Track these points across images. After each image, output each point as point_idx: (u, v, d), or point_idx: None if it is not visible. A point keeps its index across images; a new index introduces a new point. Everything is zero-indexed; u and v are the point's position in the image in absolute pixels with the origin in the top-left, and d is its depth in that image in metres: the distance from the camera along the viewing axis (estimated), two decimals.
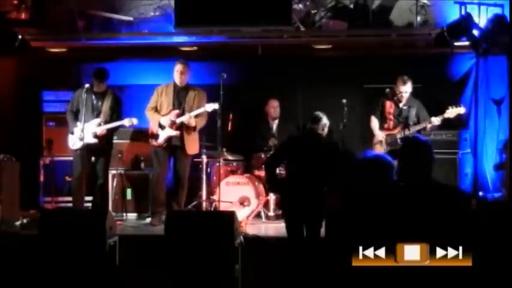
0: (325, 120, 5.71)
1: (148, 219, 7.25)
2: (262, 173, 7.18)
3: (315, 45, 7.94)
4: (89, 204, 7.33)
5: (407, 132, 6.78)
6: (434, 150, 3.49)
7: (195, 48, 8.13)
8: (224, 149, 7.43)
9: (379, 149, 6.99)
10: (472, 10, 7.16)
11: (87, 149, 7.01)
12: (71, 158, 7.21)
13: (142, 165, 7.69)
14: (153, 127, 7.09)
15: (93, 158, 7.16)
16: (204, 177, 7.36)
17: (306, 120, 6.15)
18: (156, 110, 7.06)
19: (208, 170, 7.53)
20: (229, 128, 7.60)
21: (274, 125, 7.91)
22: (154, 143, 7.05)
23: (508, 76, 6.49)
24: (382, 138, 7.04)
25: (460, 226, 3.17)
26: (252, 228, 6.58)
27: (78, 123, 6.97)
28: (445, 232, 3.16)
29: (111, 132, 7.20)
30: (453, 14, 7.32)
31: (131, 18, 7.89)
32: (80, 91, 7.09)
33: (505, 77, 6.76)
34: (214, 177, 7.46)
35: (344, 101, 6.79)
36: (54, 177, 7.74)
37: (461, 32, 7.07)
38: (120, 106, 7.23)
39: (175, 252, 5.27)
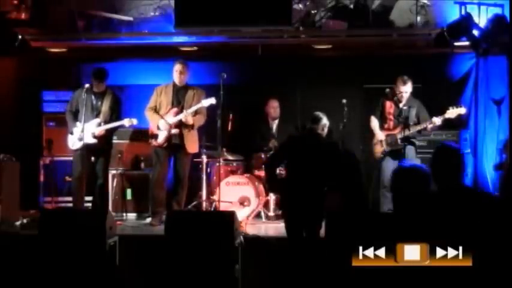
0: (325, 120, 5.70)
1: (148, 219, 7.25)
2: (262, 173, 7.18)
3: (315, 45, 7.93)
4: (89, 204, 7.32)
5: (407, 132, 6.75)
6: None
7: (195, 48, 8.13)
8: (224, 149, 7.42)
9: (379, 149, 6.99)
10: (472, 10, 7.16)
11: (86, 149, 7.00)
12: (71, 158, 7.20)
13: (142, 165, 7.69)
14: (152, 127, 7.09)
15: (92, 158, 7.15)
16: (204, 177, 7.35)
17: (305, 120, 6.15)
18: (156, 110, 7.06)
19: (208, 170, 7.52)
20: (229, 128, 7.59)
21: (274, 125, 7.90)
22: (154, 143, 7.05)
23: (508, 76, 6.49)
24: (383, 138, 7.03)
25: (496, 231, 3.25)
26: (252, 228, 6.58)
27: (78, 123, 6.97)
28: (479, 235, 3.22)
29: (110, 132, 7.19)
30: (453, 14, 7.31)
31: (131, 18, 7.88)
32: (80, 91, 7.09)
33: (505, 77, 6.76)
34: (214, 177, 7.46)
35: (344, 101, 6.79)
36: (54, 177, 7.74)
37: (461, 32, 7.07)
38: (120, 106, 7.22)
39: (176, 252, 5.26)
